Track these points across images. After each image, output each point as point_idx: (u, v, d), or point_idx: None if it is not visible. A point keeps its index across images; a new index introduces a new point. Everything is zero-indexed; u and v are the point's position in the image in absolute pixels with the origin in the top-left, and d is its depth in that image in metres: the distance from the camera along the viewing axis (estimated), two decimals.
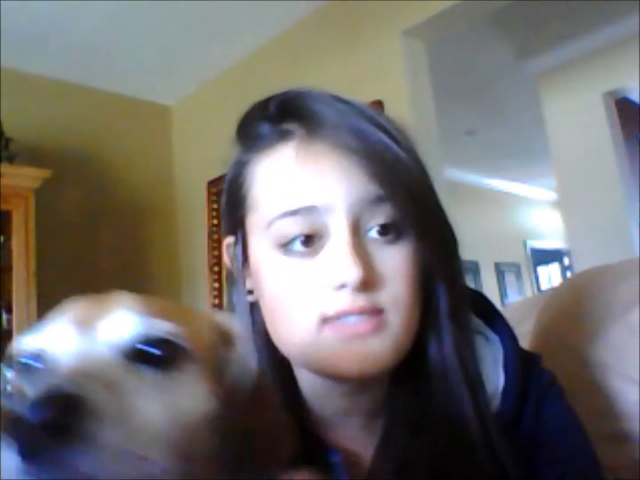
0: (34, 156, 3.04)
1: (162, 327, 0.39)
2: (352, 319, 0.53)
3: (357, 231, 0.54)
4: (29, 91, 3.27)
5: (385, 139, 0.55)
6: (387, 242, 0.55)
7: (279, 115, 0.58)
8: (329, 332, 0.53)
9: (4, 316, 2.70)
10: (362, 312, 0.53)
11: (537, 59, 3.84)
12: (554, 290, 0.98)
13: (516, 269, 6.63)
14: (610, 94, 3.71)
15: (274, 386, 0.57)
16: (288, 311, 0.55)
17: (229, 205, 0.62)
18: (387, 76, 2.65)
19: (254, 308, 0.62)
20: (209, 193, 3.46)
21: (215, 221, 3.42)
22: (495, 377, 0.60)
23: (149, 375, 0.37)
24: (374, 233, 0.55)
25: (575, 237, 3.78)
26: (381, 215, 0.54)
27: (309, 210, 0.54)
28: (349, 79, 2.68)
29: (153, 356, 0.37)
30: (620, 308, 0.81)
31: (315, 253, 0.55)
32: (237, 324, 0.56)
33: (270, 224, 0.56)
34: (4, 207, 2.71)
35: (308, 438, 0.58)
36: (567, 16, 3.34)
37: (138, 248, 3.58)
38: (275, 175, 0.57)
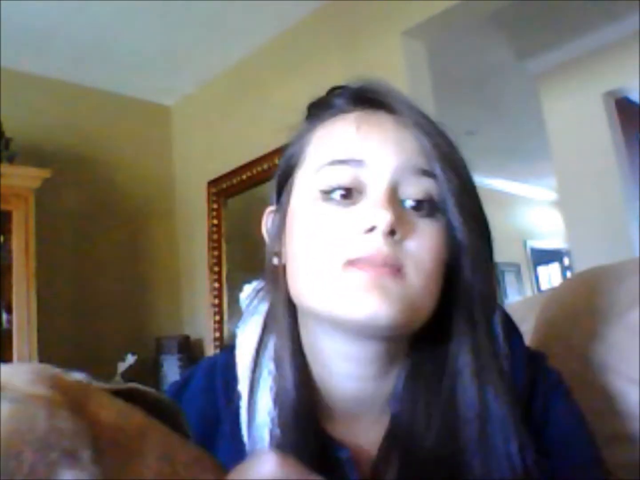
0: (34, 156, 3.04)
1: None
2: (376, 265, 0.54)
3: (394, 193, 0.57)
4: (29, 91, 3.27)
5: (441, 130, 0.61)
6: (418, 216, 0.57)
7: (352, 93, 0.64)
8: (349, 278, 0.54)
9: (4, 316, 2.70)
10: (385, 257, 0.54)
11: (537, 59, 3.84)
12: (554, 290, 0.98)
13: (516, 269, 6.64)
14: (610, 94, 3.71)
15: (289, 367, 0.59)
16: (314, 254, 0.57)
17: (283, 168, 0.65)
18: (387, 76, 2.62)
19: (281, 276, 0.62)
20: (209, 193, 3.46)
21: (215, 221, 3.42)
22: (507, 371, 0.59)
23: None
24: (408, 204, 0.57)
25: (575, 237, 3.78)
26: (420, 190, 0.57)
27: (356, 163, 0.57)
28: (349, 79, 2.68)
29: None
30: (620, 308, 0.81)
31: (352, 205, 0.57)
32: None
33: (318, 170, 0.59)
34: (4, 207, 2.70)
35: (318, 433, 0.58)
36: (567, 16, 3.34)
37: (138, 248, 3.58)
38: (333, 133, 0.61)
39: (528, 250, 6.93)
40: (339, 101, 0.63)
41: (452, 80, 3.73)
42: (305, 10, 2.98)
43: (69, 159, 3.33)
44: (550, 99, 3.90)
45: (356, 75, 0.66)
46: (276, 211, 0.64)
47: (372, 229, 0.54)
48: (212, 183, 3.43)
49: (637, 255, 3.33)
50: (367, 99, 0.62)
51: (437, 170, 0.57)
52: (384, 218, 0.54)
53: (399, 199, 0.57)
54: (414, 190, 0.57)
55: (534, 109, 4.04)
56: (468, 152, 0.62)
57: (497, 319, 0.59)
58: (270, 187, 0.68)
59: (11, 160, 2.82)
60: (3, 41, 2.88)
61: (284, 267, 0.62)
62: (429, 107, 2.77)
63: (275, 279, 0.63)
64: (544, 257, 7.14)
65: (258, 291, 0.68)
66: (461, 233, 0.57)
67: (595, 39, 3.61)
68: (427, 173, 0.57)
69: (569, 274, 6.76)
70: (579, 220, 3.68)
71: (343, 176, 0.57)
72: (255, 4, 2.85)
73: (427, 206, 0.57)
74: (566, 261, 7.01)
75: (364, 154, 0.57)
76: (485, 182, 6.39)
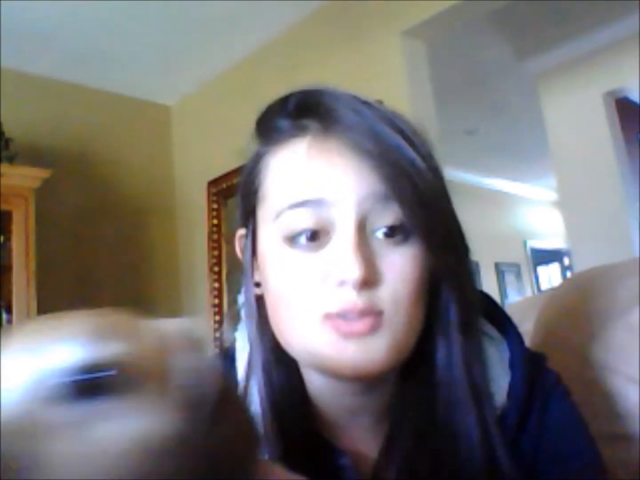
0: (34, 156, 3.04)
1: (110, 350, 0.35)
2: (352, 317, 0.53)
3: (363, 229, 0.54)
4: (29, 91, 3.27)
5: (401, 142, 0.55)
6: (393, 243, 0.55)
7: (298, 111, 0.59)
8: (329, 330, 0.53)
9: (4, 316, 2.70)
10: (361, 313, 0.53)
11: (537, 59, 3.84)
12: (554, 290, 0.98)
13: (516, 269, 6.63)
14: (610, 94, 3.71)
15: (239, 393, 0.57)
16: (290, 307, 0.55)
17: (243, 197, 0.63)
18: (387, 76, 2.65)
19: (262, 303, 0.61)
20: (209, 193, 3.46)
21: (215, 221, 3.42)
22: (500, 376, 0.59)
23: (99, 404, 0.34)
24: (380, 234, 0.54)
25: (575, 237, 3.78)
26: (389, 217, 0.54)
27: (317, 203, 0.54)
28: (349, 78, 2.68)
29: (102, 383, 0.34)
30: (620, 308, 0.81)
31: (320, 248, 0.55)
32: (204, 327, 0.55)
33: (278, 215, 0.56)
34: (4, 207, 2.71)
35: (316, 440, 0.58)
36: (567, 16, 3.34)
37: (138, 248, 3.58)
38: (287, 168, 0.58)
39: (528, 250, 6.93)
40: (285, 122, 0.60)
41: (452, 79, 3.73)
42: (306, 11, 2.98)
43: (69, 159, 3.33)
44: (550, 98, 3.90)
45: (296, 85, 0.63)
46: (245, 238, 0.63)
47: (342, 283, 0.53)
48: (212, 183, 3.43)
49: (637, 255, 3.33)
50: (311, 117, 0.58)
51: (399, 193, 0.54)
52: (354, 274, 0.51)
53: (368, 232, 0.54)
54: (382, 219, 0.54)
55: (533, 109, 4.04)
56: (468, 152, 0.61)
57: (477, 334, 0.59)
58: (234, 206, 0.66)
59: (11, 160, 2.82)
60: (3, 41, 2.88)
61: (260, 297, 0.61)
62: (429, 107, 2.79)
63: (251, 310, 0.62)
64: (544, 257, 7.14)
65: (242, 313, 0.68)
66: (434, 255, 0.56)
67: (595, 39, 3.61)
68: (391, 198, 0.54)
69: (569, 274, 6.76)
70: (579, 220, 3.68)
71: (305, 219, 0.54)
72: (255, 4, 2.85)
73: (399, 232, 0.55)
74: (566, 261, 7.01)
75: (322, 191, 0.54)
76: (485, 182, 6.39)
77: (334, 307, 0.53)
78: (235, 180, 3.30)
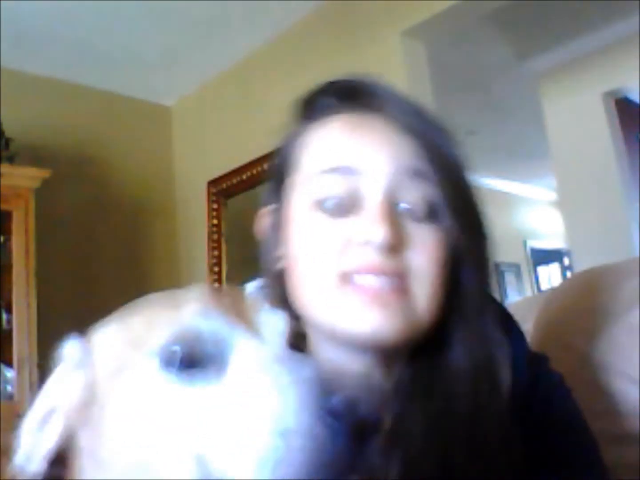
0: (34, 156, 3.04)
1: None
2: (374, 280, 0.53)
3: (391, 201, 0.55)
4: (29, 91, 3.27)
5: (437, 127, 0.59)
6: (418, 219, 0.56)
7: (341, 92, 0.62)
8: (349, 292, 0.54)
9: (4, 316, 2.70)
10: (383, 272, 0.53)
11: (537, 59, 3.84)
12: (554, 290, 0.98)
13: (516, 269, 6.63)
14: (610, 94, 3.70)
15: None
16: (312, 267, 0.56)
17: (278, 171, 0.64)
18: (387, 76, 2.63)
19: (281, 279, 0.62)
20: (209, 193, 3.46)
21: (215, 221, 3.42)
22: (504, 376, 0.59)
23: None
24: (407, 209, 0.56)
25: (575, 237, 3.78)
26: (418, 193, 0.56)
27: (349, 171, 0.56)
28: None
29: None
30: (621, 308, 0.81)
31: (347, 214, 0.56)
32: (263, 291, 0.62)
33: (310, 179, 0.58)
34: (4, 207, 2.71)
35: None
36: (567, 16, 3.34)
37: (138, 248, 3.58)
38: (324, 139, 0.59)
39: (528, 250, 6.92)
40: (328, 101, 0.62)
41: (452, 80, 3.72)
42: (305, 11, 2.98)
43: (69, 159, 3.33)
44: (550, 99, 3.90)
45: (346, 70, 0.65)
46: (273, 213, 0.64)
47: (367, 244, 0.53)
48: (212, 183, 3.43)
49: (637, 255, 3.33)
50: (356, 98, 0.60)
51: (431, 173, 0.56)
52: (379, 234, 0.53)
53: (396, 206, 0.56)
54: (411, 195, 0.56)
55: (534, 109, 4.04)
56: (468, 152, 0.62)
57: (495, 319, 0.59)
58: (265, 188, 0.67)
59: (11, 160, 2.82)
60: (3, 41, 2.88)
61: (284, 271, 0.62)
62: (429, 108, 2.77)
63: (273, 284, 0.62)
64: (544, 257, 7.13)
65: (260, 290, 0.68)
66: (458, 237, 0.57)
67: (595, 39, 3.61)
68: (423, 176, 0.56)
69: (569, 274, 6.76)
70: (579, 220, 3.68)
71: (336, 185, 0.56)
72: (255, 4, 2.85)
73: (426, 211, 0.56)
74: (566, 261, 7.00)
75: (356, 161, 0.56)
76: (485, 182, 6.39)
77: (352, 265, 0.54)
78: (235, 180, 3.30)
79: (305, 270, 0.57)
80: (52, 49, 3.13)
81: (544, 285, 6.90)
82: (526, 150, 5.42)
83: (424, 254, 0.55)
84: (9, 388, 2.64)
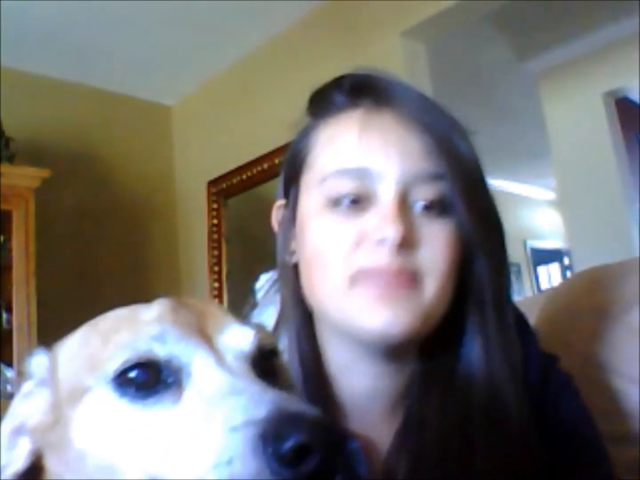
0: (34, 156, 3.04)
1: (265, 336, 0.41)
2: (386, 277, 0.54)
3: (404, 200, 0.56)
4: (29, 91, 3.27)
5: (449, 122, 0.60)
6: (431, 216, 0.57)
7: (353, 88, 0.62)
8: (360, 290, 0.54)
9: (4, 316, 2.70)
10: (396, 269, 0.54)
11: (537, 59, 3.84)
12: (554, 290, 0.98)
13: (516, 269, 6.62)
14: (610, 94, 3.70)
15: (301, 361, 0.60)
16: (325, 264, 0.57)
17: (289, 167, 0.65)
18: None
19: (294, 273, 0.63)
20: (209, 193, 3.46)
21: (215, 221, 3.42)
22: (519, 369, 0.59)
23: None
24: (420, 207, 0.57)
25: (575, 237, 3.78)
26: (431, 191, 0.57)
27: (363, 172, 0.57)
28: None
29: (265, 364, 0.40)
30: (620, 308, 0.81)
31: (361, 213, 0.57)
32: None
33: (324, 179, 0.59)
34: (4, 207, 2.70)
35: None
36: (567, 16, 3.34)
37: (138, 248, 3.58)
38: (337, 137, 0.60)
39: (528, 250, 6.92)
40: (340, 97, 0.62)
41: (452, 80, 3.72)
42: (305, 10, 2.98)
43: (69, 159, 3.32)
44: (550, 98, 3.90)
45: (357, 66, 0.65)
46: (285, 207, 0.64)
47: (381, 242, 0.54)
48: (212, 183, 3.43)
49: (637, 255, 3.33)
50: (368, 94, 0.61)
51: (445, 170, 0.57)
52: (392, 231, 0.53)
53: (409, 203, 0.56)
54: (424, 193, 0.57)
55: (534, 109, 4.04)
56: None
57: (510, 313, 0.59)
58: (278, 181, 0.67)
59: (11, 160, 2.82)
60: (3, 41, 2.88)
61: (295, 265, 0.62)
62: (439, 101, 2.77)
63: (287, 277, 0.63)
64: (544, 257, 7.13)
65: (273, 282, 0.68)
66: (473, 231, 0.57)
67: (595, 39, 3.61)
68: (436, 175, 0.57)
69: (569, 274, 6.75)
70: (579, 220, 3.68)
71: (350, 185, 0.57)
72: (254, 4, 2.85)
73: (438, 207, 0.57)
74: (566, 261, 7.00)
75: (369, 161, 0.57)
76: None
77: (367, 262, 0.54)
78: (235, 180, 3.30)
79: (319, 268, 0.58)
80: (52, 49, 3.12)
81: (544, 285, 6.90)
82: (526, 150, 5.41)
83: (436, 249, 0.56)
84: (9, 388, 2.64)
